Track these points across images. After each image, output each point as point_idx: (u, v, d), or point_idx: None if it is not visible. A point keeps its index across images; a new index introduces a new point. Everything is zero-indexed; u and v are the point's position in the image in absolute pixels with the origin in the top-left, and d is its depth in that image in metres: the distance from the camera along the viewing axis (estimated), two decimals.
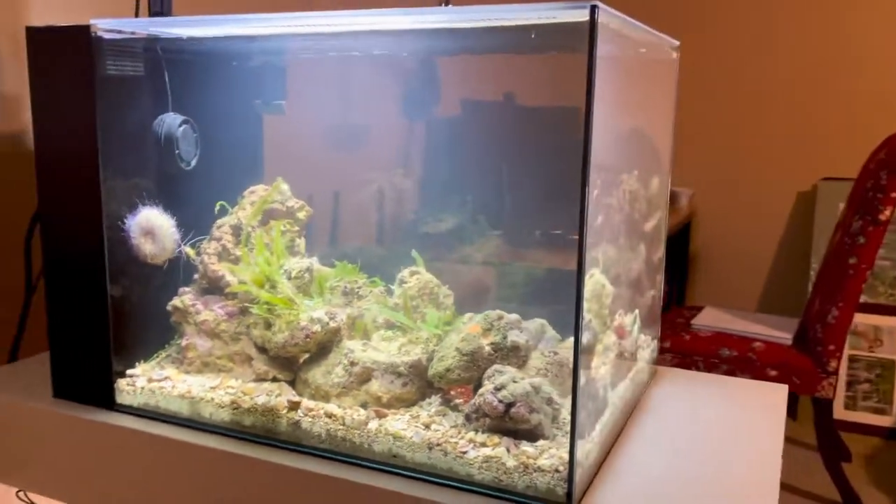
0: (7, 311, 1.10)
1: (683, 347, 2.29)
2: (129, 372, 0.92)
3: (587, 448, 0.75)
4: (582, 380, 0.75)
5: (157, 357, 0.93)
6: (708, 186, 3.08)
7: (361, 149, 1.08)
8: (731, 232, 3.07)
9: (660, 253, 1.11)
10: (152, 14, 1.00)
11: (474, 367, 0.78)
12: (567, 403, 0.80)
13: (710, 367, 2.24)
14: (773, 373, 2.18)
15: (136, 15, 1.13)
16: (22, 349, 1.10)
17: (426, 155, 1.14)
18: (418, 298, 0.88)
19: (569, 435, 0.73)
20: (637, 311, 1.04)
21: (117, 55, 0.86)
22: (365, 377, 0.81)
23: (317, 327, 0.82)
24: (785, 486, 2.30)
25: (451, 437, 0.76)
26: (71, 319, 0.93)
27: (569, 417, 0.78)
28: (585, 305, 0.97)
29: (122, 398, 0.91)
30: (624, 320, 0.98)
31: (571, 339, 0.93)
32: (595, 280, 1.03)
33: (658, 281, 1.10)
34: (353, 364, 0.81)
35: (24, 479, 0.99)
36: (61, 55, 0.88)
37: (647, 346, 1.05)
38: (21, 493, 1.03)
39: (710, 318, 2.42)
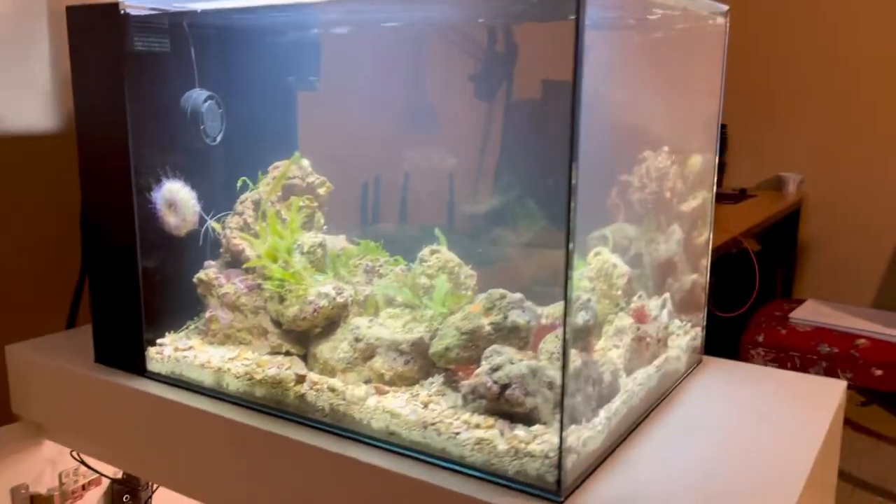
0: (69, 281, 1.17)
1: (778, 342, 2.14)
2: (158, 341, 0.95)
3: (585, 435, 0.71)
4: (577, 362, 0.70)
5: (187, 327, 0.96)
6: (819, 170, 2.86)
7: (401, 127, 1.06)
8: (845, 219, 2.84)
9: (704, 235, 1.03)
10: None
11: (473, 347, 0.75)
12: (607, 383, 0.76)
13: (807, 365, 2.08)
14: (879, 372, 2.00)
15: None
16: (80, 317, 1.16)
17: (469, 134, 1.10)
18: (437, 278, 0.85)
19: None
20: (667, 296, 0.97)
21: (145, 31, 0.89)
22: (369, 353, 0.80)
23: (324, 302, 0.82)
24: (874, 488, 2.10)
25: (447, 417, 0.73)
26: (108, 290, 0.98)
27: (608, 399, 0.75)
28: (589, 285, 0.92)
29: (152, 366, 0.95)
30: (646, 303, 0.92)
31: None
32: (602, 258, 0.97)
33: (703, 266, 1.02)
34: (357, 340, 0.80)
35: (71, 439, 1.06)
36: (93, 33, 0.92)
37: (684, 334, 0.98)
38: (74, 453, 1.09)
39: (810, 312, 2.25)
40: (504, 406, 0.71)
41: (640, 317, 0.91)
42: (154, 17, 0.89)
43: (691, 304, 1.03)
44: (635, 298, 1.00)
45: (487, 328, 0.74)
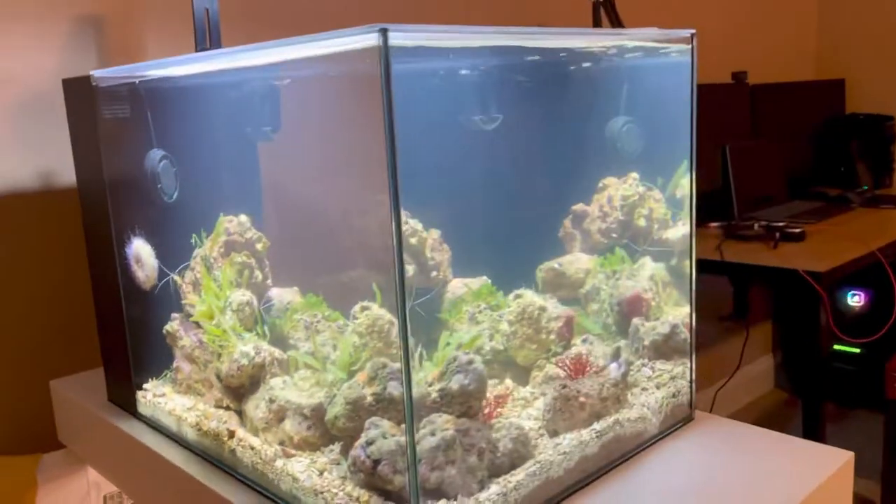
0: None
1: None
2: (144, 385, 1.02)
3: None
4: (447, 431, 0.66)
5: (165, 375, 1.02)
6: None
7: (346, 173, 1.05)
8: None
9: (684, 269, 0.92)
10: (198, 51, 1.10)
11: (357, 418, 0.73)
12: (507, 451, 0.72)
13: None
14: None
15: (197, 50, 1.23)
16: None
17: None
18: (367, 336, 0.85)
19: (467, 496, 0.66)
20: (622, 343, 0.88)
21: (110, 100, 0.96)
22: (281, 415, 0.80)
23: (244, 361, 0.84)
24: None
25: (335, 486, 0.72)
26: (107, 334, 1.07)
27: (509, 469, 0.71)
28: (510, 328, 0.86)
29: (140, 408, 1.02)
30: (585, 351, 0.84)
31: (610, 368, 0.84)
32: (525, 301, 0.91)
33: (690, 303, 0.92)
34: (271, 401, 0.81)
35: (97, 467, 1.17)
36: (77, 102, 1.00)
37: (657, 388, 0.89)
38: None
39: None
40: (377, 482, 0.69)
41: (576, 367, 0.84)
42: (116, 86, 0.96)
43: (671, 351, 0.93)
44: (578, 343, 0.93)
45: (369, 398, 0.73)
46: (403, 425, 0.72)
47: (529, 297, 0.93)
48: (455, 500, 0.68)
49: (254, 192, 0.93)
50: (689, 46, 0.88)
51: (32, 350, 1.28)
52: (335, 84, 0.81)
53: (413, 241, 0.94)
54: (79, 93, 1.01)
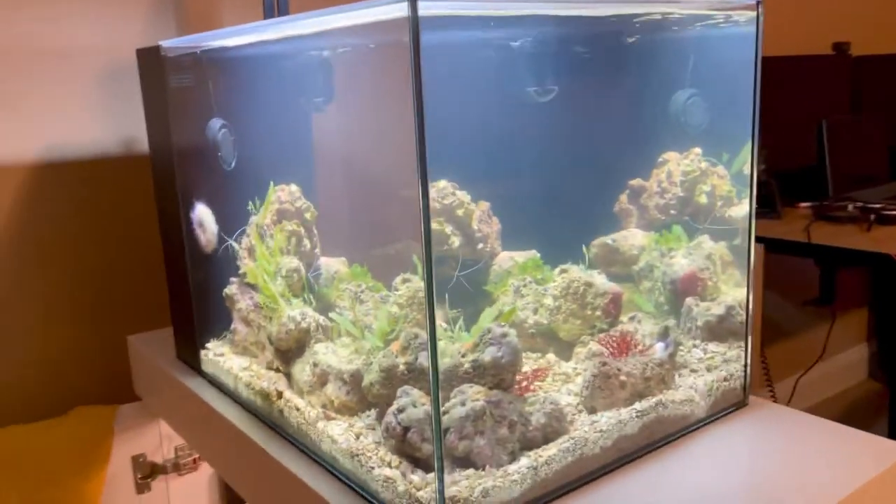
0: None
1: None
2: (207, 345, 1.07)
3: (487, 485, 0.67)
4: (477, 402, 0.67)
5: (224, 336, 1.07)
6: None
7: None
8: None
9: (742, 247, 0.89)
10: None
11: (391, 385, 0.74)
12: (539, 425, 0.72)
13: None
14: None
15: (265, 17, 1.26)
16: None
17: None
18: (407, 307, 0.86)
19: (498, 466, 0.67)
20: (671, 322, 0.86)
21: (177, 70, 1.00)
22: (324, 379, 0.83)
23: (291, 325, 0.86)
24: None
25: (369, 450, 0.74)
26: (175, 296, 1.12)
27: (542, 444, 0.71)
28: (553, 303, 0.85)
29: (203, 366, 1.07)
30: (635, 327, 0.82)
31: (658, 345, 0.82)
32: (570, 276, 0.89)
33: (747, 284, 0.88)
34: (315, 365, 0.83)
35: (166, 419, 1.24)
36: (149, 72, 1.05)
37: (707, 370, 0.86)
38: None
39: None
40: (407, 448, 0.70)
41: (620, 345, 0.82)
42: (181, 56, 0.99)
43: (726, 333, 0.90)
44: (625, 321, 0.91)
45: (402, 367, 0.73)
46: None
47: (575, 272, 0.92)
48: (483, 469, 0.69)
49: (305, 161, 0.95)
50: (755, 14, 0.83)
51: (112, 307, 1.36)
52: (383, 53, 0.81)
53: (460, 212, 0.94)
54: (150, 63, 1.05)
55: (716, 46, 0.93)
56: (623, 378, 0.80)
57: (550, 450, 0.72)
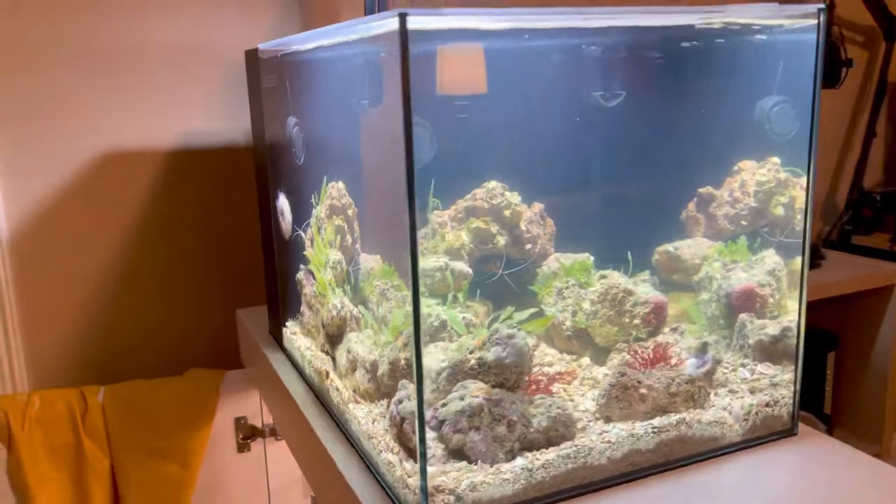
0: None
1: None
2: (286, 323, 1.17)
3: (476, 480, 0.69)
4: (475, 398, 0.69)
5: (297, 316, 1.16)
6: None
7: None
8: None
9: (796, 263, 0.82)
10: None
11: (395, 377, 0.78)
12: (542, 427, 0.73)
13: None
14: None
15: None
16: None
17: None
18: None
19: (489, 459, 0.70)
20: (711, 338, 0.82)
21: (268, 71, 1.09)
22: (354, 365, 0.88)
23: (333, 313, 0.92)
24: None
25: (380, 434, 0.79)
26: (267, 277, 1.23)
27: (545, 447, 0.73)
28: (591, 307, 0.83)
29: (284, 342, 1.17)
30: (675, 339, 0.79)
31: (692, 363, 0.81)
32: (609, 282, 0.86)
33: (799, 305, 0.82)
34: (348, 352, 0.89)
35: (258, 388, 1.36)
36: (251, 72, 1.16)
37: (751, 392, 0.81)
38: None
39: None
40: (403, 437, 0.74)
41: (653, 357, 0.80)
42: (269, 58, 1.09)
43: (781, 355, 0.84)
44: (667, 331, 0.87)
45: (402, 361, 0.77)
46: (445, 392, 0.75)
47: (615, 278, 0.90)
48: (475, 464, 0.71)
49: (352, 160, 1.00)
50: (816, 22, 0.77)
51: (226, 282, 1.50)
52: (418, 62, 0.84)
53: (507, 213, 0.95)
54: (252, 63, 1.16)
55: (791, 53, 0.87)
56: (644, 391, 0.78)
57: (550, 454, 0.73)
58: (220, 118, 1.46)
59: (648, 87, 1.00)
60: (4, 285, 1.34)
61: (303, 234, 1.05)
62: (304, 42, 0.96)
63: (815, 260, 1.67)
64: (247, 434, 1.44)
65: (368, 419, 0.82)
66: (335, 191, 0.96)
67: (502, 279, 0.98)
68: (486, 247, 0.96)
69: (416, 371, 0.66)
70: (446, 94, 0.94)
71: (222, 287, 1.50)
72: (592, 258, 1.00)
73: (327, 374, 0.94)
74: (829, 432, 1.70)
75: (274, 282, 1.20)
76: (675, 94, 0.98)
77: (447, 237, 0.95)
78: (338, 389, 0.90)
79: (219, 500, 1.43)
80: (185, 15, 1.40)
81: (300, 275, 1.09)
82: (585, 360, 0.91)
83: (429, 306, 0.89)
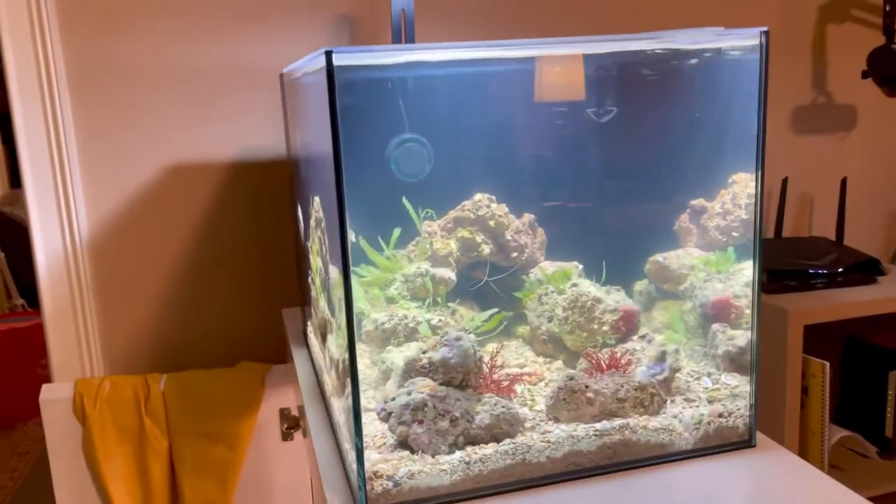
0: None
1: None
2: (308, 322, 1.27)
3: (414, 469, 0.75)
4: (420, 393, 0.76)
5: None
6: None
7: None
8: None
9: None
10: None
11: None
12: (484, 424, 0.78)
13: None
14: None
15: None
16: None
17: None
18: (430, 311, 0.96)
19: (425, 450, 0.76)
20: (668, 347, 0.84)
21: (288, 91, 1.20)
22: (331, 363, 0.96)
23: (321, 316, 1.01)
24: None
25: (343, 424, 0.86)
26: (299, 282, 1.34)
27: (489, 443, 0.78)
28: (562, 314, 0.87)
29: (308, 341, 1.27)
30: (641, 347, 0.82)
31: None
32: (578, 290, 0.89)
33: (752, 319, 0.82)
34: (328, 351, 0.97)
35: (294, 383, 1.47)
36: (282, 92, 1.27)
37: (710, 402, 0.82)
38: None
39: None
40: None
41: (608, 362, 0.83)
42: (291, 80, 1.19)
43: (745, 366, 0.85)
44: (636, 339, 0.89)
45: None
46: (394, 385, 0.82)
47: (585, 286, 0.93)
48: (416, 454, 0.77)
49: (322, 177, 1.08)
50: (758, 43, 0.77)
51: (276, 283, 1.63)
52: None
53: (491, 223, 1.00)
54: (282, 84, 1.28)
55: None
56: (590, 395, 0.81)
57: (488, 449, 0.77)
58: (271, 134, 1.59)
59: (639, 104, 1.03)
60: (85, 283, 1.52)
61: (308, 244, 1.15)
62: (294, 68, 1.06)
63: (875, 275, 1.59)
64: (290, 424, 1.56)
65: (339, 412, 0.90)
66: (316, 204, 1.05)
67: (492, 285, 1.03)
68: (471, 254, 1.01)
69: (351, 370, 0.73)
70: (545, 100, 1.00)
71: (271, 288, 1.63)
72: (581, 267, 1.03)
73: (322, 370, 1.03)
74: (889, 457, 1.61)
75: (301, 285, 1.30)
76: (665, 110, 1.00)
77: (435, 245, 1.01)
78: (326, 384, 0.99)
79: (264, 484, 1.55)
80: (247, 41, 1.54)
81: (309, 279, 1.19)
82: (558, 364, 0.95)
83: (407, 308, 0.96)
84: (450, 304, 1.01)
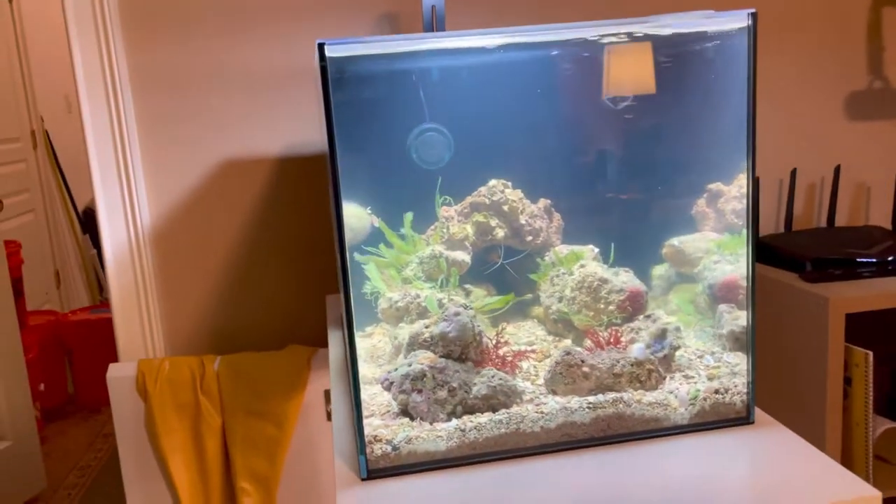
0: None
1: None
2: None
3: (411, 434, 0.80)
4: (421, 365, 0.81)
5: None
6: None
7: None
8: None
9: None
10: None
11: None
12: (481, 395, 0.83)
13: None
14: None
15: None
16: None
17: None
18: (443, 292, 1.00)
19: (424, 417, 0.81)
20: (669, 324, 0.85)
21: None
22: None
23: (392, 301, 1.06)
24: None
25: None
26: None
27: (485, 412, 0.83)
28: (570, 294, 0.90)
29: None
30: (644, 326, 0.84)
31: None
32: (586, 271, 0.91)
33: (748, 300, 0.83)
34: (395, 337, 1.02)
35: None
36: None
37: (709, 379, 0.83)
38: None
39: None
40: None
41: (609, 340, 0.86)
42: None
43: (742, 346, 0.85)
44: (641, 318, 0.91)
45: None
46: (403, 357, 0.87)
47: (592, 267, 0.95)
48: (415, 421, 0.82)
49: None
50: (746, 25, 0.78)
51: (323, 271, 1.71)
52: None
53: (505, 208, 1.04)
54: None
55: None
56: (586, 369, 0.84)
57: (482, 418, 0.81)
58: (316, 130, 1.66)
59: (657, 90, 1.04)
60: (148, 270, 1.64)
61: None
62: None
63: None
64: None
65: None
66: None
67: (507, 267, 1.07)
68: (486, 238, 1.05)
69: (349, 341, 0.79)
70: (613, 95, 1.05)
71: (316, 275, 1.71)
72: (596, 250, 1.06)
73: None
74: None
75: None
76: (688, 95, 1.00)
77: (452, 229, 1.05)
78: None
79: (310, 461, 1.63)
80: (293, 40, 1.62)
81: None
82: (567, 342, 0.97)
83: (420, 288, 1.01)
84: (466, 286, 1.05)
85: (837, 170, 1.73)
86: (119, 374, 1.61)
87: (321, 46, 0.73)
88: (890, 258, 1.52)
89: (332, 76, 0.74)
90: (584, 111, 1.07)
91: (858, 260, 1.52)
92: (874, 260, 1.51)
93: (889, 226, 1.75)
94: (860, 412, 1.41)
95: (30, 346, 3.06)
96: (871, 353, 1.38)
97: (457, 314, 0.85)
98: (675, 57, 0.99)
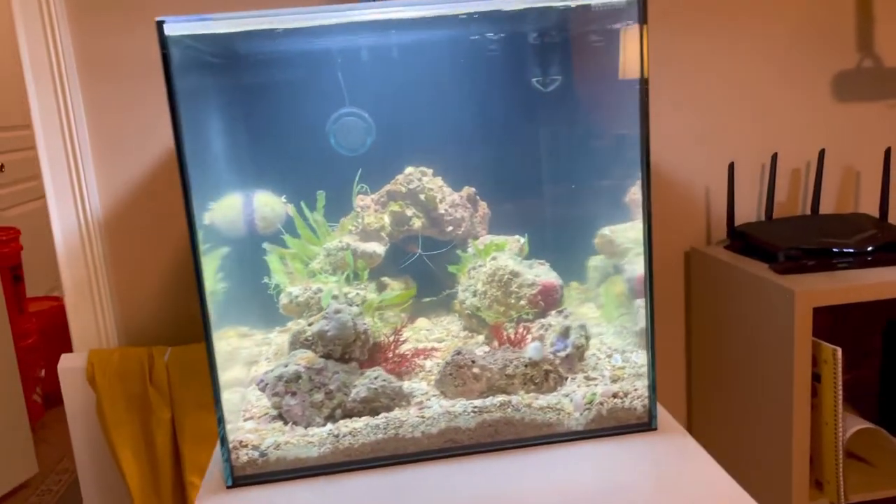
0: None
1: None
2: None
3: (280, 440, 0.74)
4: (288, 367, 0.75)
5: None
6: None
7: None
8: None
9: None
10: None
11: None
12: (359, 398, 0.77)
13: None
14: None
15: None
16: None
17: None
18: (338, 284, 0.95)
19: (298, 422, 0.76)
20: (572, 322, 0.79)
21: None
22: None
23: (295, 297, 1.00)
24: None
25: None
26: None
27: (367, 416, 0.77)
28: (482, 288, 0.84)
29: None
30: (556, 322, 0.78)
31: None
32: (497, 264, 0.85)
33: (647, 303, 0.76)
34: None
35: None
36: None
37: (612, 381, 0.77)
38: None
39: None
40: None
41: (513, 337, 0.79)
42: None
43: (644, 344, 0.78)
44: (553, 314, 0.85)
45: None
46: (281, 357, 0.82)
47: (503, 260, 0.89)
48: (288, 425, 0.76)
49: None
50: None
51: None
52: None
53: (422, 197, 0.97)
54: None
55: None
56: (476, 371, 0.78)
57: (359, 423, 0.76)
58: None
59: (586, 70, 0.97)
60: (99, 259, 1.61)
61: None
62: None
63: None
64: None
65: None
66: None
67: (425, 259, 1.01)
68: (402, 229, 0.99)
69: (206, 339, 0.73)
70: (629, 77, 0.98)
71: None
72: (523, 240, 0.99)
73: None
74: None
75: None
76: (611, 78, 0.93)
77: (367, 219, 0.99)
78: None
79: None
80: None
81: None
82: (480, 338, 0.91)
83: (324, 282, 0.95)
84: (384, 279, 0.99)
85: (822, 154, 1.62)
86: (71, 365, 1.58)
87: (160, 24, 0.67)
88: (870, 248, 1.42)
89: (175, 62, 0.68)
90: (510, 94, 1.01)
91: (834, 250, 1.42)
92: (852, 250, 1.42)
93: (878, 214, 1.64)
94: (829, 410, 1.32)
95: (29, 331, 3.07)
96: (839, 350, 1.29)
97: (337, 312, 0.79)
98: (605, 34, 0.92)
